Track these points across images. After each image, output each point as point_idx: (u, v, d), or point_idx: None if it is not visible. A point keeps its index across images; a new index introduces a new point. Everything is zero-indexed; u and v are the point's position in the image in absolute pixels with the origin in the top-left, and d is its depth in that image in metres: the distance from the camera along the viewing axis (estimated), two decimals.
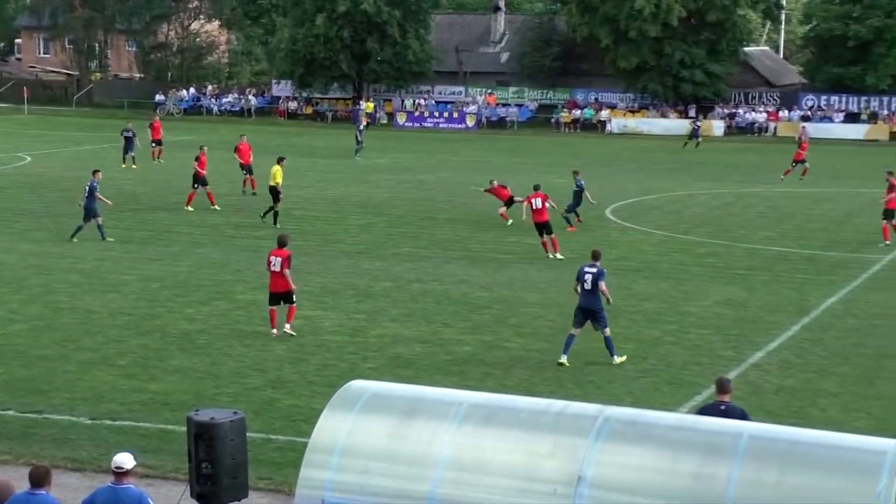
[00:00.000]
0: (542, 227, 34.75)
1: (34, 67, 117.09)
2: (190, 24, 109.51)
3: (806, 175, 55.01)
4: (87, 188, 36.08)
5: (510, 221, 39.58)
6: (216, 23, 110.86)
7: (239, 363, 22.58)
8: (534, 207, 34.81)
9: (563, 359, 22.76)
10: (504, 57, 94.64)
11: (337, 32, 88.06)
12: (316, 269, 31.90)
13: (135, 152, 55.91)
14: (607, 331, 23.02)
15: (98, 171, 37.89)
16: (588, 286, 22.87)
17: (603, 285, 22.93)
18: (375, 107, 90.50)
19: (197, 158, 43.26)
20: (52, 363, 22.34)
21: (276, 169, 39.52)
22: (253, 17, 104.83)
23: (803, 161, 55.78)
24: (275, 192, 39.45)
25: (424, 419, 11.95)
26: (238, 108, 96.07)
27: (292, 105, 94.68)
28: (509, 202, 39.88)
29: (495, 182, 41.05)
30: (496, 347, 24.14)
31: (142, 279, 30.19)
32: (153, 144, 58.51)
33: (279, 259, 24.51)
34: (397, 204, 45.46)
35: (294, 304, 24.73)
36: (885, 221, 37.75)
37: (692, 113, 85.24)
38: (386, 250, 35.28)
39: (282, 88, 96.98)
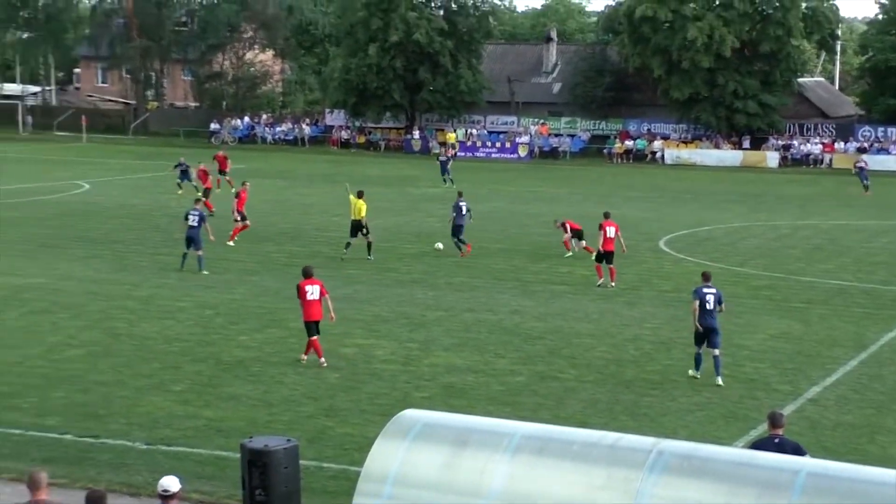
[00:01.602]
0: (608, 256, 34.74)
1: (92, 97, 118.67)
2: (244, 54, 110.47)
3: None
4: (195, 217, 35.99)
5: (570, 253, 39.56)
6: (270, 52, 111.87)
7: (292, 391, 22.68)
8: (606, 235, 34.76)
9: (695, 373, 24.09)
10: (556, 87, 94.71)
11: (390, 62, 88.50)
12: (368, 297, 31.99)
13: (193, 181, 56.00)
14: (718, 351, 23.94)
15: (199, 199, 38.52)
16: (710, 306, 23.87)
17: (723, 306, 24.16)
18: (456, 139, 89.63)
19: (237, 195, 43.24)
20: (108, 388, 22.55)
21: (360, 203, 38.41)
22: (306, 46, 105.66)
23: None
24: (359, 225, 38.38)
25: (477, 449, 11.96)
26: (292, 137, 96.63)
27: (345, 134, 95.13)
28: (579, 234, 40.04)
29: (559, 221, 41.06)
30: (549, 378, 24.10)
31: (197, 306, 30.42)
32: (220, 175, 58.50)
33: (317, 287, 24.62)
34: (449, 234, 45.43)
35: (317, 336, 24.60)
36: None
37: (746, 144, 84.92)
38: (439, 279, 35.33)
39: (335, 118, 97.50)
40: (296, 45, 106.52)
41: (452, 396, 22.42)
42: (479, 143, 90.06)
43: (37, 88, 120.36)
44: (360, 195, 38.73)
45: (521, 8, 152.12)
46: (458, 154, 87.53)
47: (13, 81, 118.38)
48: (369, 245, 38.54)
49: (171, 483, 12.54)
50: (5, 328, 27.42)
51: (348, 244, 38.42)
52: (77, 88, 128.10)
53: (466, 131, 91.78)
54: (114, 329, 27.60)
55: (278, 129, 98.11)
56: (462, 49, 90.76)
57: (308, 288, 24.60)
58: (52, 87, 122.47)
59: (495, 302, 31.89)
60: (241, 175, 54.64)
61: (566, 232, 40.42)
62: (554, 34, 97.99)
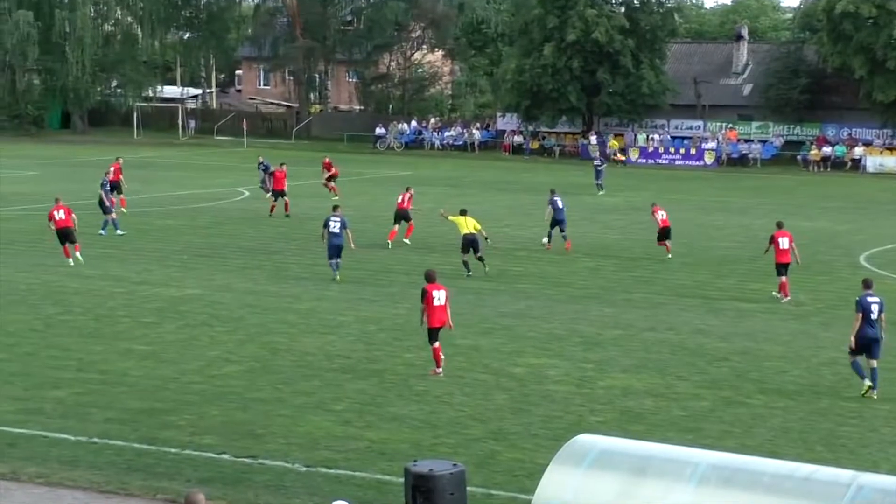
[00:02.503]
0: (782, 268, 34.40)
1: (253, 99, 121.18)
2: (412, 54, 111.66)
3: None
4: (337, 223, 36.72)
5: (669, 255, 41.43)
6: (439, 53, 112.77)
7: (459, 412, 22.77)
8: (780, 247, 34.33)
9: (866, 383, 23.99)
10: (747, 89, 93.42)
11: (566, 63, 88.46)
12: (541, 313, 31.97)
13: (264, 184, 56.37)
14: (876, 363, 23.98)
15: (338, 206, 39.44)
16: (874, 315, 23.96)
17: (883, 316, 24.33)
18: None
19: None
20: (267, 406, 22.94)
21: (470, 219, 38.37)
22: (478, 46, 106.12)
23: None
24: (474, 242, 38.14)
25: (657, 479, 11.83)
26: (461, 143, 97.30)
27: (518, 139, 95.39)
28: (666, 233, 42.16)
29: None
30: (736, 404, 23.74)
31: (360, 321, 30.79)
32: (327, 181, 59.56)
33: (443, 293, 25.48)
34: (629, 246, 45.29)
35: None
36: None
37: None
38: (616, 295, 35.13)
39: (507, 122, 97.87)
40: (466, 44, 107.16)
41: (630, 421, 22.25)
42: (661, 150, 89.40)
43: (197, 91, 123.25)
44: (464, 213, 38.77)
45: (708, 4, 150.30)
46: (639, 161, 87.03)
47: (173, 84, 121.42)
48: (481, 259, 37.93)
49: None
50: (161, 342, 28.15)
51: (466, 264, 37.68)
52: (238, 91, 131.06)
53: (648, 136, 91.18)
54: (273, 344, 28.10)
55: (447, 133, 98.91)
56: (644, 48, 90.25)
57: (435, 293, 25.36)
58: (213, 89, 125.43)
59: (677, 320, 31.57)
60: (408, 182, 55.05)
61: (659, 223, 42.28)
62: (745, 32, 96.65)
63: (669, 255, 41.76)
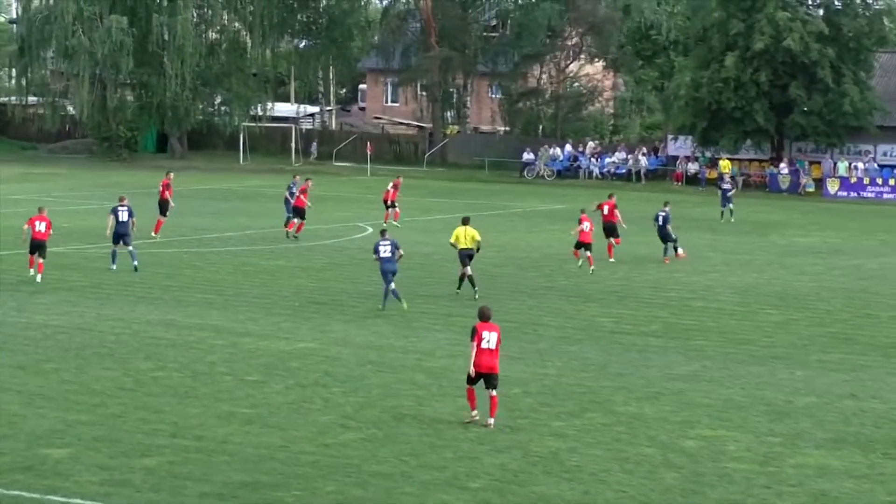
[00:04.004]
0: None
1: (379, 118, 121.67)
2: (567, 66, 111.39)
3: None
4: (387, 246, 39.89)
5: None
6: (599, 64, 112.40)
7: (618, 493, 22.63)
8: None
9: None
10: None
11: (752, 76, 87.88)
12: (718, 376, 31.69)
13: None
14: None
15: (386, 230, 42.78)
16: None
17: None
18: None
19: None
20: (390, 482, 23.00)
21: (470, 230, 42.47)
22: (646, 56, 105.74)
23: None
24: (471, 255, 42.48)
25: None
26: (624, 171, 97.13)
27: (692, 167, 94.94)
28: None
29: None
30: None
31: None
32: (388, 208, 64.05)
33: (495, 336, 26.54)
34: (825, 296, 44.71)
35: (496, 394, 26.55)
36: None
37: None
38: (810, 355, 34.69)
39: (679, 146, 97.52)
40: (632, 54, 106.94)
41: None
42: (866, 180, 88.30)
43: (314, 109, 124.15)
44: (465, 222, 43.03)
45: None
46: (838, 193, 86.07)
47: (287, 100, 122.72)
48: (470, 279, 42.18)
49: None
50: (268, 404, 28.41)
51: (462, 279, 42.55)
52: (362, 109, 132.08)
53: (850, 165, 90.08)
54: (398, 408, 28.19)
55: (607, 160, 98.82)
56: (846, 59, 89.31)
57: (485, 334, 26.43)
58: (332, 106, 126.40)
59: (884, 386, 31.07)
60: (560, 219, 55.15)
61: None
62: None
63: (590, 267, 47.58)
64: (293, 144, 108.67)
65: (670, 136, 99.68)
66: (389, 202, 64.02)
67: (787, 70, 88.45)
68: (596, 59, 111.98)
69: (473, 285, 41.94)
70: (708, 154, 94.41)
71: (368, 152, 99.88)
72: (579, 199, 79.07)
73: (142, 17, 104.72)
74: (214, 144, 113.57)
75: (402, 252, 40.09)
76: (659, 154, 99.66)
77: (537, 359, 33.61)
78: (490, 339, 26.41)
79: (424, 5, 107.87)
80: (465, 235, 42.17)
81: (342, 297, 43.01)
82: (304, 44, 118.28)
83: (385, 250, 39.58)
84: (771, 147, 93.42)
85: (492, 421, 26.37)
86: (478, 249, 42.63)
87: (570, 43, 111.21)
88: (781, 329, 38.71)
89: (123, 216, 46.28)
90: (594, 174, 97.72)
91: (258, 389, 29.67)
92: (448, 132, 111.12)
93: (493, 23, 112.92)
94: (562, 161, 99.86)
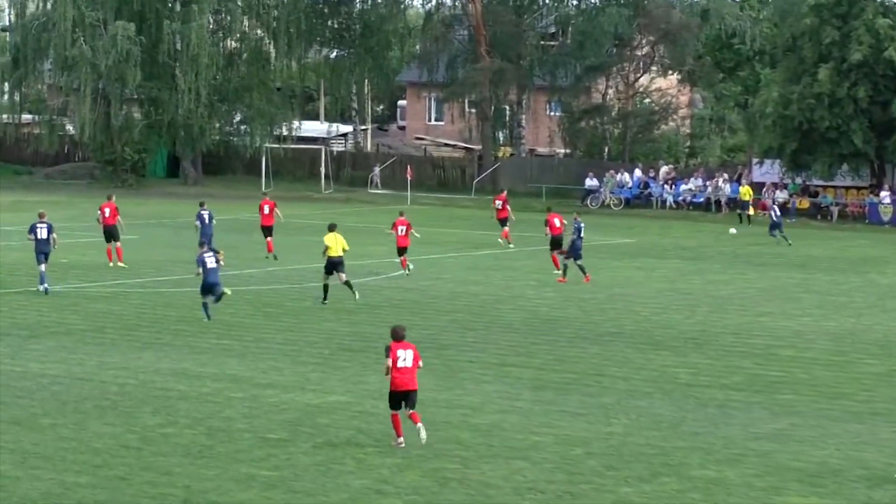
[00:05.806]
0: None
1: (421, 139, 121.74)
2: (637, 79, 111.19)
3: None
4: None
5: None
6: (674, 77, 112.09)
7: None
8: None
9: None
10: None
11: (849, 91, 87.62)
12: (810, 435, 31.57)
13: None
14: None
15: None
16: None
17: None
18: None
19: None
20: None
21: (338, 237, 48.90)
22: (727, 68, 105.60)
23: None
24: (339, 263, 49.25)
25: None
26: (702, 199, 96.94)
27: (780, 195, 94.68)
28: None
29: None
30: None
31: (560, 442, 30.74)
32: (503, 226, 67.52)
33: (411, 352, 29.07)
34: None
35: (416, 411, 29.02)
36: None
37: None
38: None
39: (766, 171, 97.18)
40: (712, 65, 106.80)
41: None
42: None
43: (347, 128, 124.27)
44: (332, 228, 49.39)
45: None
46: None
47: (315, 118, 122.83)
48: (348, 284, 48.85)
49: None
50: (293, 466, 28.47)
51: (326, 289, 49.17)
52: (401, 128, 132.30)
53: None
54: (441, 471, 28.20)
55: (683, 187, 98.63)
56: None
57: (400, 353, 28.88)
58: (368, 126, 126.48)
59: None
60: (628, 256, 55.08)
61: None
62: None
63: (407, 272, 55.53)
64: (322, 168, 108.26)
65: (755, 160, 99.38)
66: (500, 220, 71.12)
67: (888, 84, 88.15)
68: (670, 72, 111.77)
69: (352, 289, 48.87)
70: (798, 180, 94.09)
71: (408, 178, 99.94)
72: (650, 231, 79.08)
73: (151, 23, 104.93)
74: (233, 169, 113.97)
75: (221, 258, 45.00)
76: (742, 180, 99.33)
77: (601, 415, 33.56)
78: (406, 356, 28.84)
79: (473, 10, 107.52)
80: (337, 243, 48.60)
81: (378, 344, 42.96)
82: (335, 54, 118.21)
83: (211, 262, 43.87)
84: (871, 173, 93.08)
85: (421, 426, 28.93)
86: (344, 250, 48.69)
87: (639, 53, 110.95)
88: (883, 382, 38.52)
89: (43, 233, 51.06)
90: (668, 203, 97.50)
91: (282, 449, 29.72)
92: (500, 155, 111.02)
93: (552, 30, 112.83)
94: (630, 188, 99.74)
